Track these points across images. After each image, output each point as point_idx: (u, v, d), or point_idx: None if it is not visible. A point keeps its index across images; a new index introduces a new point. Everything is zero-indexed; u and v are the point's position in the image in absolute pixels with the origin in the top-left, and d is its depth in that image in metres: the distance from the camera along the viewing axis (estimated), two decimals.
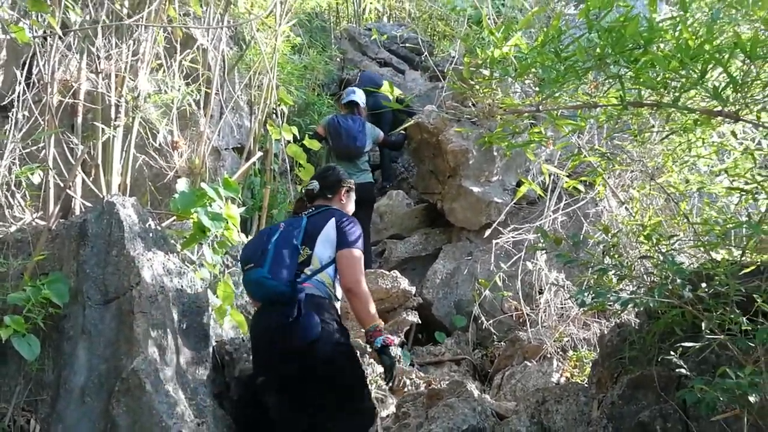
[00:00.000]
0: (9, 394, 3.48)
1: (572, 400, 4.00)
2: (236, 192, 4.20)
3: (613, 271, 3.37)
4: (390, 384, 3.67)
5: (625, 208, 5.04)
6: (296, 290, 3.51)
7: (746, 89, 2.86)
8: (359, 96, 7.32)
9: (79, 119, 4.76)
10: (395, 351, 3.60)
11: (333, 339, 3.55)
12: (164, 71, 5.23)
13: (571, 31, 3.12)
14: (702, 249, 3.64)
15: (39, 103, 4.51)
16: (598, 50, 2.92)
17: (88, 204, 4.44)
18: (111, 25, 4.84)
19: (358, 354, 4.09)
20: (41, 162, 4.33)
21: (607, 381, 3.85)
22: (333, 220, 3.80)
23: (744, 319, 2.85)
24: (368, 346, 3.68)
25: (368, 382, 3.83)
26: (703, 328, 3.01)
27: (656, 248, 3.54)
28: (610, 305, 3.61)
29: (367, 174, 7.13)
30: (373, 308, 3.66)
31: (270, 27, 6.48)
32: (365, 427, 3.66)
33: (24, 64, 4.76)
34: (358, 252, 3.70)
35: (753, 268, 3.06)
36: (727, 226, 3.34)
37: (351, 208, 4.19)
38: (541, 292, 5.64)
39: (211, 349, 4.05)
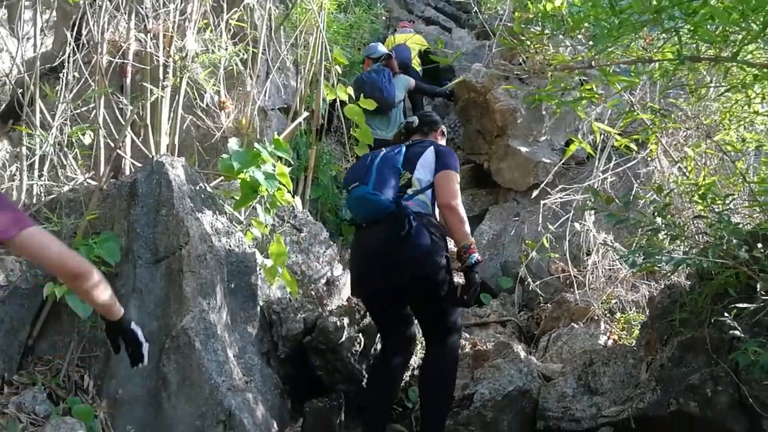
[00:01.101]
0: (64, 350, 3.57)
1: (620, 362, 3.97)
2: (288, 153, 4.23)
3: (665, 232, 3.31)
4: (469, 303, 3.77)
5: (679, 167, 4.92)
6: (402, 206, 3.67)
7: None
8: (382, 48, 7.25)
9: (128, 80, 4.80)
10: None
11: (441, 252, 3.70)
12: (211, 31, 5.22)
13: None
14: (758, 209, 3.55)
15: (89, 64, 4.55)
16: (654, 2, 2.82)
17: (138, 164, 4.49)
18: None
19: None
20: (92, 122, 4.39)
21: (656, 343, 3.80)
22: (432, 147, 3.97)
23: None
24: (459, 261, 3.75)
25: None
26: (758, 290, 2.96)
27: (711, 208, 3.46)
28: (660, 266, 3.56)
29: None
30: (467, 227, 3.76)
31: None
32: (458, 345, 3.92)
33: (74, 25, 4.81)
34: (455, 174, 3.84)
35: None
36: None
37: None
38: (588, 254, 5.56)
39: (258, 309, 4.11)
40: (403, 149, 3.99)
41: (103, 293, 2.43)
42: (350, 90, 6.20)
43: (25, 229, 2.20)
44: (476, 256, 3.65)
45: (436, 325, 3.79)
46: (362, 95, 6.42)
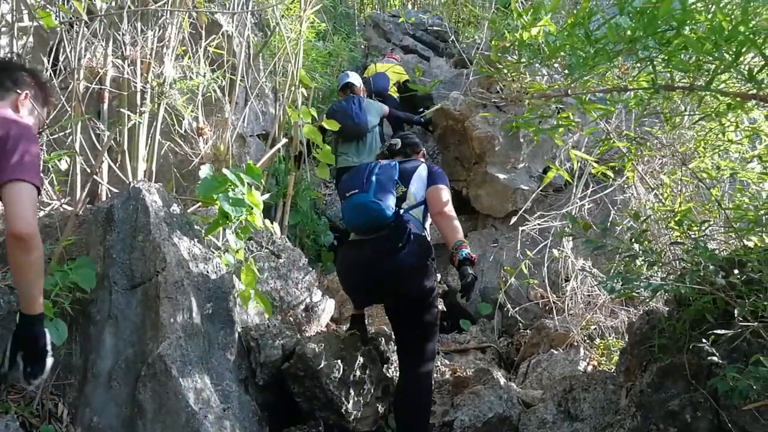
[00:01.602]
0: None
1: (600, 388, 3.98)
2: (259, 178, 4.20)
3: (642, 258, 3.33)
4: (465, 299, 3.77)
5: (655, 194, 4.97)
6: (401, 218, 3.74)
7: None
8: (353, 77, 7.25)
9: (105, 105, 4.79)
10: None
11: (431, 277, 3.77)
12: (189, 57, 5.23)
13: (601, 14, 3.07)
14: (734, 235, 3.58)
15: (65, 90, 4.53)
16: (629, 32, 2.86)
17: (115, 190, 4.46)
18: (137, 11, 4.85)
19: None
20: (69, 148, 4.36)
21: (636, 369, 3.81)
22: (424, 165, 4.11)
23: None
24: (452, 260, 3.80)
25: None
26: (735, 316, 2.97)
27: (687, 234, 3.49)
28: (638, 292, 3.58)
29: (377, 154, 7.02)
30: (458, 227, 3.85)
31: (295, 13, 6.46)
32: (431, 371, 3.90)
33: (51, 50, 4.78)
34: (446, 188, 3.98)
35: None
36: (760, 212, 3.29)
37: None
38: (567, 280, 5.59)
39: (236, 335, 4.07)
40: (397, 165, 4.06)
41: (36, 275, 2.37)
42: (314, 111, 6.16)
43: (20, 182, 2.23)
44: (467, 251, 3.69)
45: (411, 347, 3.80)
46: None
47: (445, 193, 3.95)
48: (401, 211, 3.82)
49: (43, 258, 2.40)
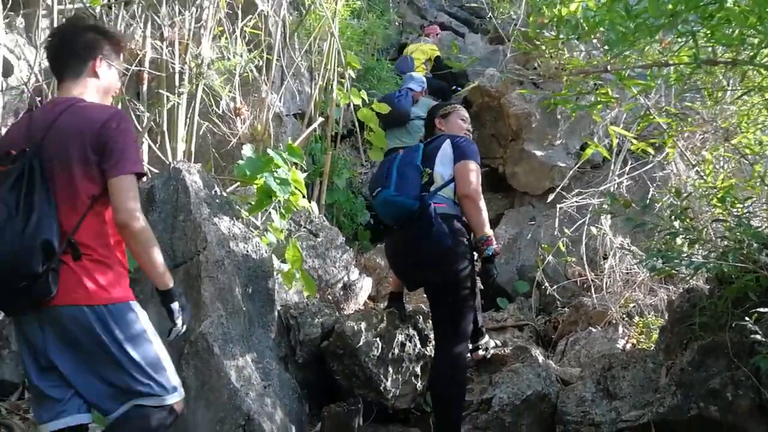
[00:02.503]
0: None
1: (639, 367, 3.95)
2: (300, 158, 4.24)
3: (683, 235, 3.30)
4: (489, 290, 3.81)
5: (696, 170, 4.90)
6: (425, 204, 3.71)
7: None
8: (410, 81, 7.43)
9: (145, 87, 4.84)
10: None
11: (461, 258, 3.70)
12: (226, 38, 5.26)
13: None
14: None
15: None
16: (670, 6, 2.81)
17: (155, 170, 4.52)
18: None
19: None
20: None
21: (676, 347, 3.78)
22: (448, 140, 3.96)
23: None
24: (477, 253, 3.79)
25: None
26: None
27: (729, 211, 3.44)
28: (678, 270, 3.54)
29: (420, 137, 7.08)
30: (486, 218, 3.77)
31: None
32: (465, 352, 3.85)
33: None
34: (473, 164, 3.81)
35: None
36: None
37: (459, 130, 4.23)
38: (605, 258, 5.54)
39: (276, 314, 4.12)
40: (421, 147, 4.02)
41: (149, 256, 2.55)
42: (363, 94, 6.21)
43: (121, 175, 2.43)
44: (493, 247, 3.69)
45: (445, 326, 3.80)
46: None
47: (472, 172, 3.80)
48: (429, 194, 3.79)
49: (150, 237, 2.56)
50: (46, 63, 4.51)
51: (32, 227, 2.33)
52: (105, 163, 2.45)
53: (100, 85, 2.73)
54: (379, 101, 6.65)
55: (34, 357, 2.51)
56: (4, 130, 4.37)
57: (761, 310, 2.92)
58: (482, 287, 3.93)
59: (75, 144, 2.46)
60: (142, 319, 2.60)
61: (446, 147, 3.91)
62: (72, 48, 2.71)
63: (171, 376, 2.60)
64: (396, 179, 3.83)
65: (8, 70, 4.52)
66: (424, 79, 7.69)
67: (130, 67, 4.69)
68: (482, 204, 3.77)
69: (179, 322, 2.66)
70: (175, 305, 2.66)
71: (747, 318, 2.98)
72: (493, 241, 3.74)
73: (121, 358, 2.47)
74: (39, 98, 4.20)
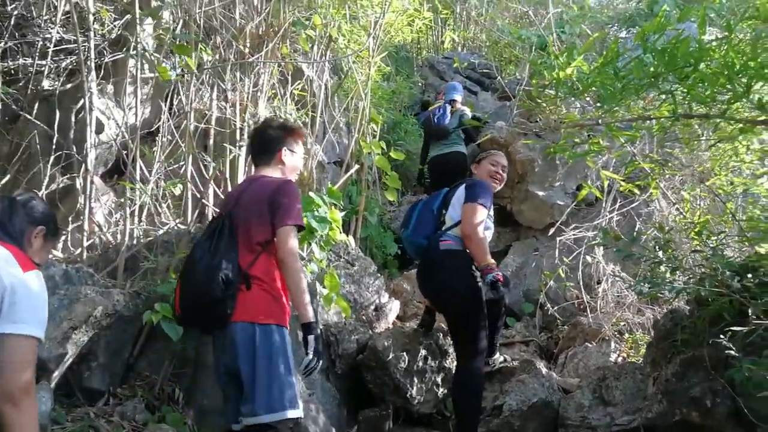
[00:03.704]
0: (159, 367, 3.58)
1: (630, 377, 3.90)
2: (339, 199, 4.27)
3: (666, 264, 3.28)
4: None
5: (676, 208, 4.86)
6: (432, 245, 3.79)
7: None
8: (452, 92, 7.57)
9: (211, 141, 4.90)
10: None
11: (468, 288, 3.69)
12: (278, 99, 5.34)
13: (627, 53, 3.04)
14: (747, 243, 3.49)
15: (179, 129, 4.66)
16: (652, 69, 2.83)
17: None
18: (236, 63, 4.99)
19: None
20: (181, 177, 4.48)
21: (661, 361, 3.73)
22: (463, 185, 3.98)
23: None
24: (480, 279, 3.70)
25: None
26: (749, 314, 2.89)
27: (705, 243, 3.41)
28: (663, 294, 3.50)
29: (458, 146, 7.17)
30: (486, 250, 3.69)
31: (364, 59, 6.54)
32: (481, 366, 3.77)
33: (167, 97, 4.94)
34: (477, 205, 3.76)
35: None
36: None
37: (487, 174, 4.15)
38: (599, 283, 5.49)
39: (319, 331, 4.12)
40: (444, 192, 4.06)
41: (297, 290, 2.74)
42: (383, 144, 6.20)
43: (285, 226, 2.74)
44: (492, 275, 3.55)
45: (463, 344, 3.76)
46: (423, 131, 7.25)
47: (476, 214, 3.72)
48: (440, 233, 3.83)
49: (301, 274, 2.77)
50: (131, 121, 4.66)
51: (216, 264, 2.60)
52: (274, 217, 2.74)
53: (285, 168, 3.06)
54: (420, 122, 7.20)
55: (216, 365, 2.83)
56: (96, 179, 4.50)
57: (734, 328, 2.88)
58: (495, 308, 3.90)
59: (256, 205, 2.80)
60: (282, 341, 2.75)
61: (460, 191, 3.92)
62: (263, 143, 3.07)
63: (290, 393, 2.70)
64: (414, 222, 3.96)
65: (100, 128, 4.64)
66: (460, 86, 7.86)
67: (198, 125, 4.78)
68: (479, 240, 3.68)
69: (311, 353, 2.73)
70: (311, 338, 2.75)
71: (722, 336, 2.95)
72: (494, 269, 3.60)
73: (252, 370, 2.65)
74: (125, 151, 4.29)
